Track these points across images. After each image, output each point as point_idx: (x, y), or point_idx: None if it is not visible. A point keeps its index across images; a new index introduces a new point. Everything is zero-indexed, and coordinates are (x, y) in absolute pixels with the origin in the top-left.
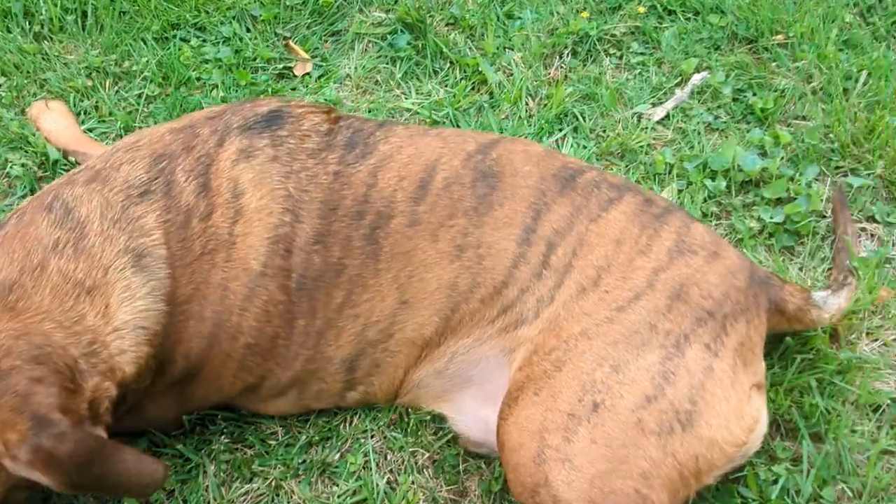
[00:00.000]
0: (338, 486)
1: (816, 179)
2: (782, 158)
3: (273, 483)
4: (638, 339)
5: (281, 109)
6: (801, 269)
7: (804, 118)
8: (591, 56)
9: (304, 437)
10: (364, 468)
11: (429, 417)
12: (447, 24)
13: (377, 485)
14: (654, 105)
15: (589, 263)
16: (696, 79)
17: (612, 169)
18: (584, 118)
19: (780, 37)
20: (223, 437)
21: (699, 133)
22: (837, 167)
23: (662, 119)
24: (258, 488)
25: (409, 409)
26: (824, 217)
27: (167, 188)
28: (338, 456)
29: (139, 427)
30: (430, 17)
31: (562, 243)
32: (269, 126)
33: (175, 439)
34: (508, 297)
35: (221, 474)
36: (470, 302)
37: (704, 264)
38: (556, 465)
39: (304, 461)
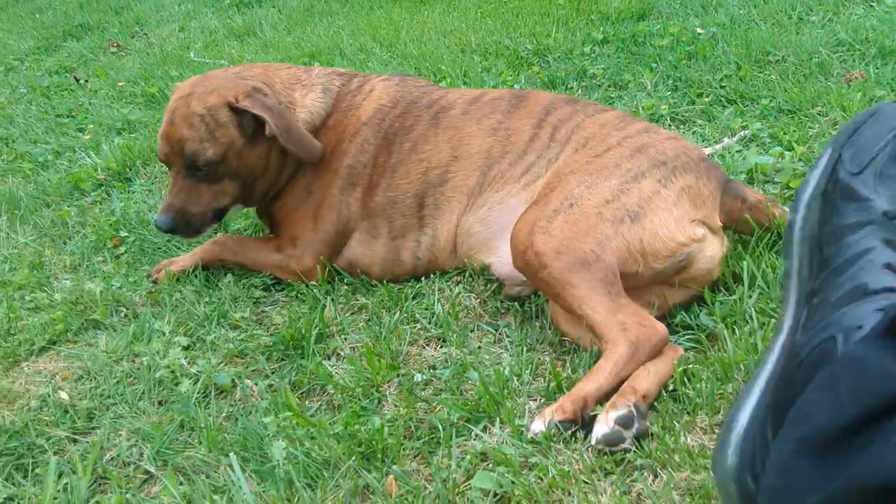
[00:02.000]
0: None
1: None
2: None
3: (374, 311)
4: (606, 172)
5: None
6: None
7: None
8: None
9: (403, 287)
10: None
11: (478, 268)
12: None
13: (437, 307)
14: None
15: (581, 136)
16: (741, 133)
17: None
18: None
19: (818, 108)
20: (344, 286)
21: (732, 159)
22: None
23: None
24: (364, 314)
25: (466, 265)
26: None
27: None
28: (416, 302)
29: None
30: None
31: (563, 127)
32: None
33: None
34: (528, 160)
35: (340, 305)
36: (500, 164)
37: (664, 139)
38: (539, 235)
39: (398, 301)
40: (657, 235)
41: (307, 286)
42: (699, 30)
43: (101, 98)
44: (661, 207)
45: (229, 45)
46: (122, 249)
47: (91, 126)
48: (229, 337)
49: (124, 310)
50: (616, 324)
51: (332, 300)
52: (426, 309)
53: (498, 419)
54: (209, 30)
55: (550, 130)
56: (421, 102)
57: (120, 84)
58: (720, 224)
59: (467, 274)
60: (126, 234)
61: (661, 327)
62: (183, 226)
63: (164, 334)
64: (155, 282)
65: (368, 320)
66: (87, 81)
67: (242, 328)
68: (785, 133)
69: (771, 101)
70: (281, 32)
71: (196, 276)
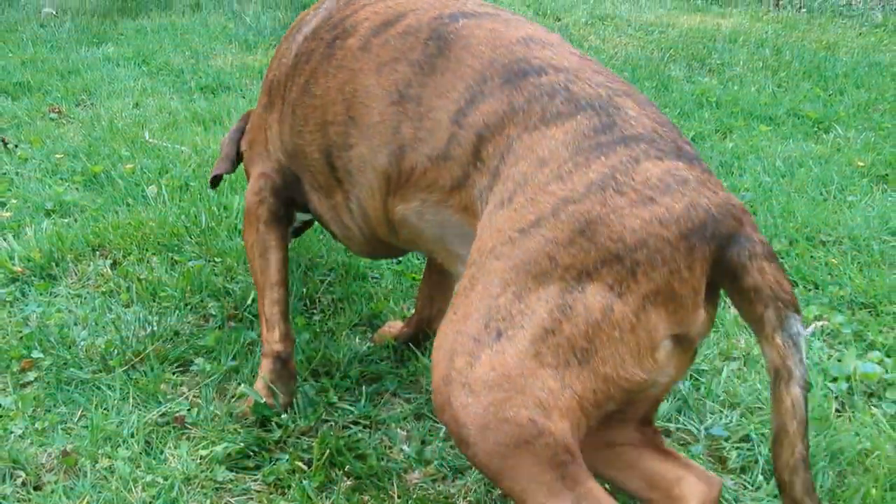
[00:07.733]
0: None
1: None
2: None
3: None
4: (538, 268)
5: None
6: None
7: None
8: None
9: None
10: None
11: None
12: None
13: None
14: None
15: (510, 176)
16: (818, 324)
17: None
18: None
19: None
20: (346, 480)
21: (819, 358)
22: None
23: None
24: None
25: None
26: None
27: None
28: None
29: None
30: None
31: (492, 140)
32: None
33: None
34: (454, 173)
35: None
36: (417, 153)
37: (627, 206)
38: (458, 389)
39: None
40: (610, 379)
41: (293, 473)
42: None
43: (31, 169)
44: (613, 337)
45: (192, 130)
46: (32, 376)
47: (14, 202)
48: None
49: (23, 475)
50: None
51: (331, 501)
52: None
53: None
54: (168, 111)
55: (473, 139)
56: (334, 18)
57: (57, 156)
58: (705, 317)
59: None
60: (41, 355)
61: None
62: None
63: None
64: None
65: None
66: (16, 146)
67: None
68: (870, 331)
69: (840, 289)
70: None
71: (133, 436)
